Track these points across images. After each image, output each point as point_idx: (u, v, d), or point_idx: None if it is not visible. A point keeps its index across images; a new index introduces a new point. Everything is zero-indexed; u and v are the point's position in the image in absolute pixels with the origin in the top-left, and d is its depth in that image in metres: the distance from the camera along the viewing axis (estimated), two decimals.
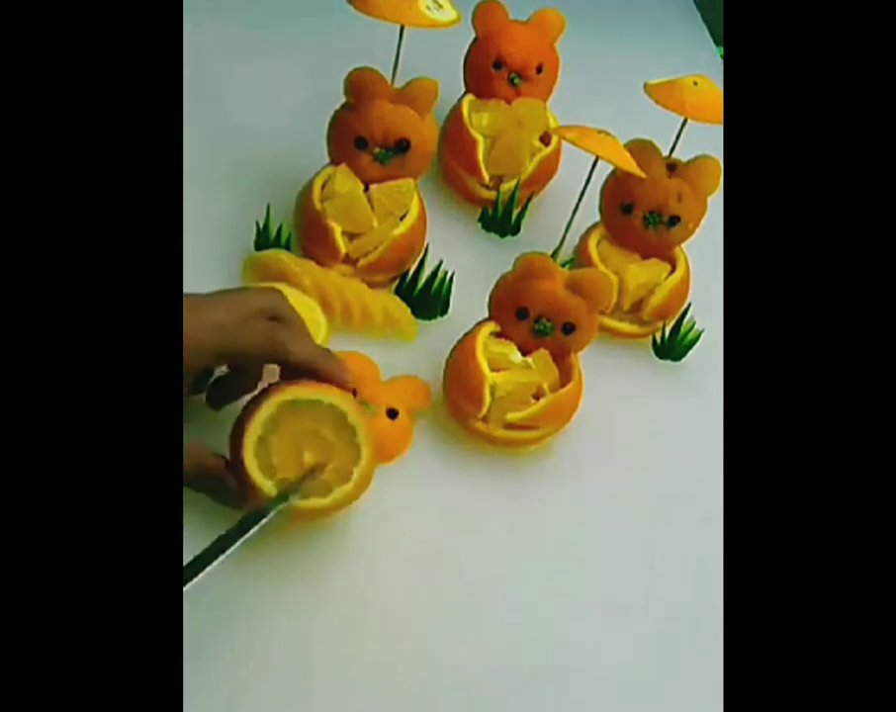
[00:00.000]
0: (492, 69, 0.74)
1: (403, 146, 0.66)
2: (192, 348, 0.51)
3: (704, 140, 0.66)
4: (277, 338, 0.53)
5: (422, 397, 0.63)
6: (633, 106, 0.68)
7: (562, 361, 0.63)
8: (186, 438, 0.44)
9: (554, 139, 0.75)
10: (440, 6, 0.66)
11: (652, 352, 0.72)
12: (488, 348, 0.62)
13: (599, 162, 0.64)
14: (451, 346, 0.63)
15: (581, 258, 0.71)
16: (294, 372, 0.53)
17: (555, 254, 0.66)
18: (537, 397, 0.62)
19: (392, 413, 0.61)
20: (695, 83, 0.66)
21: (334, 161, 0.67)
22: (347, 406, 0.52)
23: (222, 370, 0.57)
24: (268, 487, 0.51)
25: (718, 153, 0.61)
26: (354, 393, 0.60)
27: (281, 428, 0.51)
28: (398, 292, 0.69)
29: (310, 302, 0.65)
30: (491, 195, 0.75)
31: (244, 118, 0.78)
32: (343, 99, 0.66)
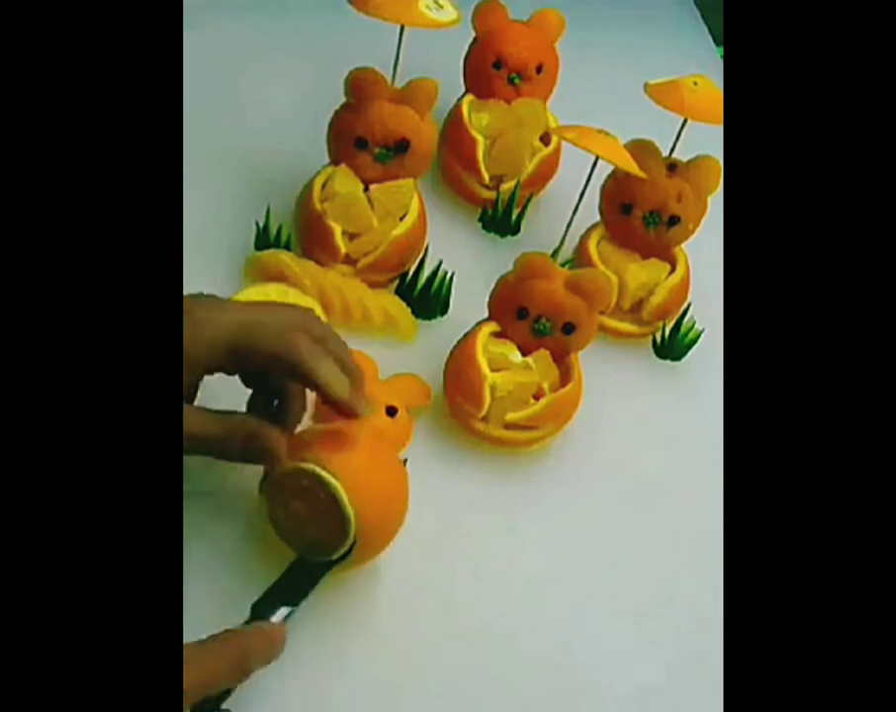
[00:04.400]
0: (491, 69, 0.74)
1: (402, 146, 0.66)
2: (206, 336, 0.49)
3: (704, 140, 0.66)
4: (297, 343, 0.49)
5: (422, 395, 0.63)
6: (633, 106, 0.68)
7: (562, 361, 0.63)
8: None
9: (554, 139, 0.75)
10: (440, 6, 0.66)
11: (652, 352, 0.72)
12: (488, 348, 0.62)
13: (599, 162, 0.64)
14: (451, 346, 0.63)
15: (581, 258, 0.71)
16: (307, 383, 0.51)
17: (555, 254, 0.66)
18: (537, 397, 0.62)
19: (391, 411, 0.61)
20: (695, 83, 0.66)
21: (334, 161, 0.67)
22: (345, 496, 0.50)
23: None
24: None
25: (718, 153, 0.61)
26: None
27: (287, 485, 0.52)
28: (398, 292, 0.69)
29: (310, 302, 0.65)
30: (491, 195, 0.75)
31: (244, 118, 0.78)
32: (343, 99, 0.66)
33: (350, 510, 0.50)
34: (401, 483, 0.55)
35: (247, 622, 0.50)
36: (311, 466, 0.51)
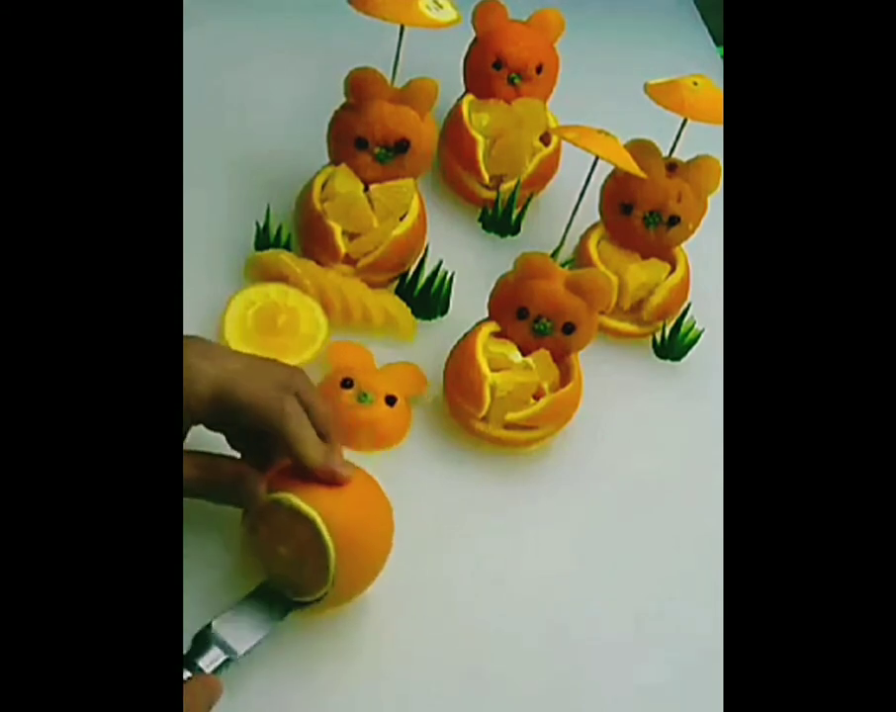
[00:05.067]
0: (491, 69, 0.74)
1: (403, 146, 0.66)
2: (195, 388, 0.48)
3: (704, 140, 0.66)
4: (284, 409, 0.49)
5: (419, 383, 0.64)
6: (633, 106, 0.68)
7: (562, 361, 0.63)
8: None
9: (554, 139, 0.75)
10: (440, 6, 0.66)
11: (652, 352, 0.72)
12: (488, 348, 0.62)
13: (599, 162, 0.64)
14: (451, 346, 0.63)
15: (581, 258, 0.71)
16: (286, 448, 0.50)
17: (555, 254, 0.66)
18: (537, 397, 0.62)
19: (390, 400, 0.61)
20: (695, 83, 0.67)
21: (334, 161, 0.67)
22: (328, 536, 0.49)
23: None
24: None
25: (718, 153, 0.61)
26: (351, 383, 0.60)
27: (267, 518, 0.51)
28: (398, 292, 0.69)
29: (310, 302, 0.65)
30: (491, 195, 0.75)
31: (244, 118, 0.78)
32: (343, 99, 0.66)
33: (328, 538, 0.49)
34: (383, 514, 0.53)
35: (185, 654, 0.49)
36: (285, 496, 0.49)
